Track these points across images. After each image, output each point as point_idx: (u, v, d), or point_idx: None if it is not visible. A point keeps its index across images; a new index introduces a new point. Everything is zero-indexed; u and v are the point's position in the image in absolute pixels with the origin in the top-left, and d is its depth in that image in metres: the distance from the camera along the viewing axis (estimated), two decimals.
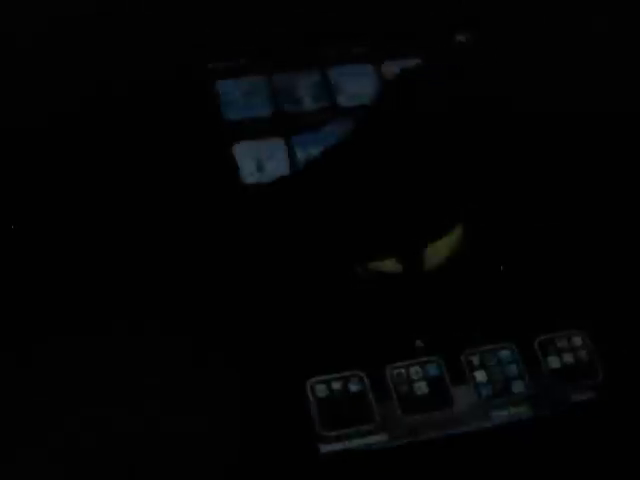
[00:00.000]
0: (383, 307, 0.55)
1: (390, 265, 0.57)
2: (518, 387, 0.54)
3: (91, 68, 0.61)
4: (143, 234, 0.55)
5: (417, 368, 0.53)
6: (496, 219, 0.59)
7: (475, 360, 0.54)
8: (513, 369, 0.54)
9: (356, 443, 0.50)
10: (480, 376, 0.54)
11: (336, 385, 0.52)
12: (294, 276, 0.55)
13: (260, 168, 0.61)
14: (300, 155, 0.61)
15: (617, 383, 0.54)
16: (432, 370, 0.53)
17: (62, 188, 0.56)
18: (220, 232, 0.57)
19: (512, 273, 0.57)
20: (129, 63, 0.62)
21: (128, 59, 0.63)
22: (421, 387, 0.53)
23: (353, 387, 0.52)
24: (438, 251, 0.58)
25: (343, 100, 0.65)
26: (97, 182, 0.57)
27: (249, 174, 0.60)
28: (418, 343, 0.54)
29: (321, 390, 0.52)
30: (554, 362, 0.55)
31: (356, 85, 0.66)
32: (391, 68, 0.67)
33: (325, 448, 0.50)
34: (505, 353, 0.54)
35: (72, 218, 0.55)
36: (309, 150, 0.62)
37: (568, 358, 0.55)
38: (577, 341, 0.56)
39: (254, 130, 0.62)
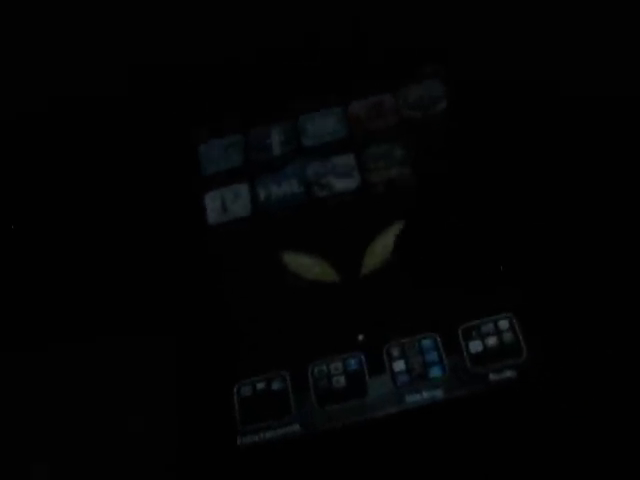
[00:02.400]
0: (315, 309, 0.59)
1: (327, 273, 0.61)
2: (434, 372, 0.55)
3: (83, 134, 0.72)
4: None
5: (338, 364, 0.57)
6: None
7: (396, 351, 0.56)
8: (433, 356, 0.56)
9: (272, 434, 0.54)
10: (398, 366, 0.56)
11: (260, 385, 0.57)
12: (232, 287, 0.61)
13: (225, 210, 0.68)
14: (262, 195, 0.68)
15: (539, 363, 0.54)
16: (353, 364, 0.56)
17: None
18: (184, 266, 0.64)
19: (439, 264, 0.59)
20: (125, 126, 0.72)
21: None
22: (339, 380, 0.56)
23: (276, 385, 0.56)
24: (375, 256, 0.61)
25: (307, 141, 0.70)
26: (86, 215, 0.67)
27: (214, 216, 0.67)
28: (360, 337, 0.58)
29: (246, 390, 0.57)
30: (476, 346, 0.56)
31: (322, 126, 0.71)
32: (358, 106, 0.72)
33: (243, 440, 0.54)
34: (426, 342, 0.56)
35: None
36: (270, 189, 0.68)
37: (492, 341, 0.56)
38: (503, 325, 0.56)
39: (224, 179, 0.70)
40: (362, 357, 0.57)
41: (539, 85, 0.67)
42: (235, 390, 0.57)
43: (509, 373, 0.54)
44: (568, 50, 0.67)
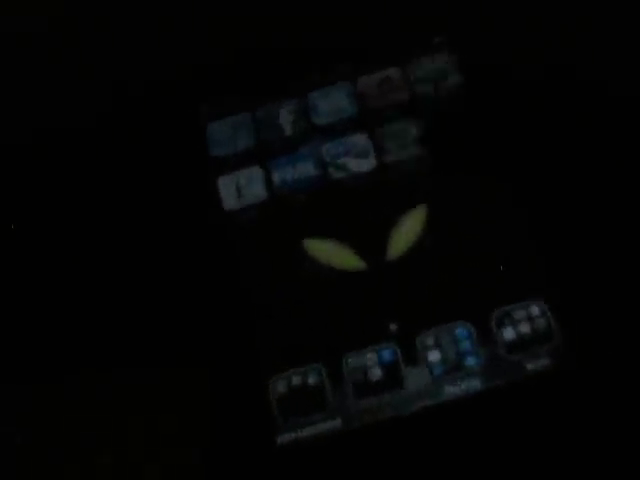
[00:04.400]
0: (343, 298, 0.59)
1: (352, 260, 0.60)
2: (470, 362, 0.55)
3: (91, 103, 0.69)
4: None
5: (372, 355, 0.56)
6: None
7: (429, 341, 0.56)
8: (467, 345, 0.56)
9: (311, 431, 0.54)
10: (433, 356, 0.56)
11: (296, 379, 0.56)
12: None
13: (240, 195, 0.66)
14: (277, 179, 0.67)
15: (575, 350, 0.54)
16: (387, 355, 0.56)
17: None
18: (201, 254, 0.63)
19: (466, 248, 0.59)
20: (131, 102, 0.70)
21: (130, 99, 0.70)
22: (375, 372, 0.56)
23: (311, 379, 0.56)
24: (400, 241, 0.61)
25: (319, 120, 0.69)
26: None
27: (229, 201, 0.66)
28: (392, 326, 0.57)
29: (282, 386, 0.56)
30: (509, 333, 0.56)
31: (332, 103, 0.70)
32: (367, 82, 0.70)
33: (282, 438, 0.54)
34: (460, 330, 0.56)
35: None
36: (285, 172, 0.67)
37: (524, 328, 0.56)
38: (535, 310, 0.56)
39: (236, 162, 0.68)
40: (396, 348, 0.56)
41: (557, 56, 0.66)
42: (269, 386, 0.56)
43: (545, 360, 0.55)
44: (586, 24, 0.66)
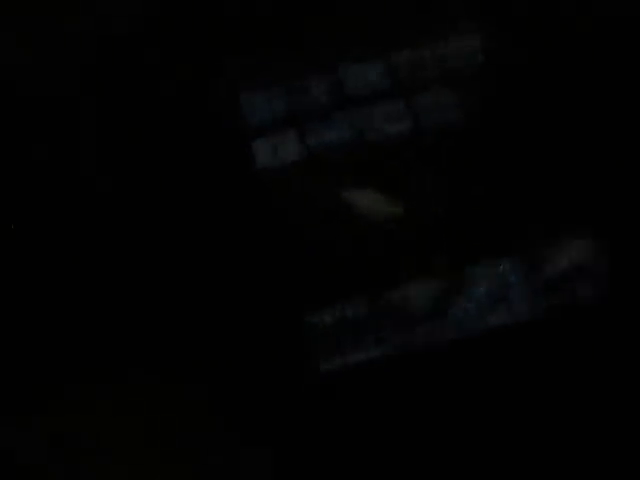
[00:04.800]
0: (384, 240, 0.58)
1: (390, 205, 0.60)
2: (516, 293, 0.54)
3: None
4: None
5: (416, 287, 0.55)
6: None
7: (474, 274, 0.56)
8: (513, 278, 0.55)
9: (354, 358, 0.53)
10: (478, 289, 0.55)
11: (339, 312, 0.55)
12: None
13: (275, 155, 0.66)
14: (312, 140, 0.67)
15: (621, 283, 0.54)
16: (431, 288, 0.55)
17: None
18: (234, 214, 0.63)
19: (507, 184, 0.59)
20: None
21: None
22: (418, 304, 0.55)
23: (353, 311, 0.55)
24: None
25: (352, 91, 0.70)
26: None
27: (264, 161, 0.66)
28: (438, 260, 0.56)
29: (325, 318, 0.55)
30: (555, 267, 0.55)
31: (364, 78, 0.71)
32: (400, 58, 0.72)
33: (325, 366, 0.53)
34: (505, 264, 0.56)
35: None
36: (320, 135, 0.67)
37: (570, 261, 0.55)
38: (581, 244, 0.56)
39: (271, 127, 0.68)
40: (440, 281, 0.56)
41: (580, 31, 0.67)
42: (312, 318, 0.55)
43: (589, 292, 0.54)
44: None
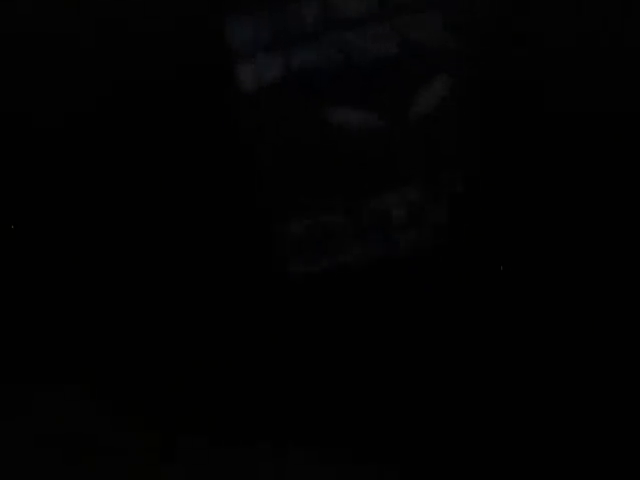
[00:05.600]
0: (362, 151, 0.59)
1: (371, 120, 0.59)
2: None
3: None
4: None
5: (394, 196, 0.56)
6: None
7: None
8: None
9: (324, 264, 0.55)
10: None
11: (314, 218, 0.57)
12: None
13: (259, 77, 0.62)
14: (297, 62, 0.62)
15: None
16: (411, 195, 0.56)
17: None
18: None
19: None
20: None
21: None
22: (399, 213, 0.55)
23: (329, 217, 0.56)
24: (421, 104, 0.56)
25: (340, 13, 0.65)
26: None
27: (248, 83, 0.62)
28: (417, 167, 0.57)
29: (299, 224, 0.57)
30: None
31: (352, 2, 0.65)
32: None
33: (295, 268, 0.55)
34: None
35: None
36: (306, 57, 0.62)
37: None
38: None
39: (257, 50, 0.64)
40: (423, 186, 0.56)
41: None
42: (287, 224, 0.54)
43: None
44: None
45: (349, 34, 0.64)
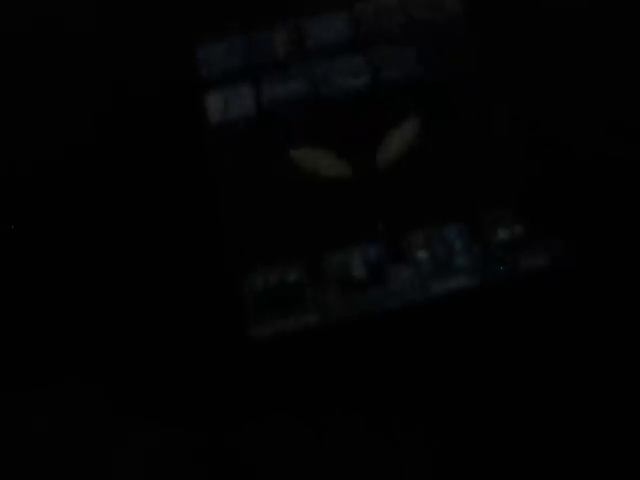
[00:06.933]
0: (328, 203, 0.56)
1: (339, 167, 0.57)
2: (460, 261, 0.52)
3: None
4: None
5: (357, 253, 0.53)
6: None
7: (418, 240, 0.53)
8: (458, 244, 0.52)
9: (286, 325, 0.51)
10: (421, 254, 0.52)
11: (274, 276, 0.53)
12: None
13: (228, 110, 0.64)
14: (267, 94, 0.64)
15: (572, 250, 0.51)
16: (373, 252, 0.53)
17: None
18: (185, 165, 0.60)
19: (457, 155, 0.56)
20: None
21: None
22: (360, 270, 0.52)
23: (291, 276, 0.53)
24: (390, 149, 0.58)
25: (313, 43, 0.67)
26: None
27: (216, 115, 0.63)
28: (379, 225, 0.54)
29: (259, 282, 0.53)
30: (504, 233, 0.52)
31: (327, 29, 0.68)
32: (363, 8, 0.68)
33: (256, 332, 0.51)
34: (451, 230, 0.53)
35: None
36: (275, 89, 0.64)
37: (517, 230, 0.53)
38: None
39: (226, 81, 0.66)
40: (382, 245, 0.53)
41: None
42: (246, 283, 0.53)
43: (540, 260, 0.51)
44: None
45: (321, 65, 0.64)
